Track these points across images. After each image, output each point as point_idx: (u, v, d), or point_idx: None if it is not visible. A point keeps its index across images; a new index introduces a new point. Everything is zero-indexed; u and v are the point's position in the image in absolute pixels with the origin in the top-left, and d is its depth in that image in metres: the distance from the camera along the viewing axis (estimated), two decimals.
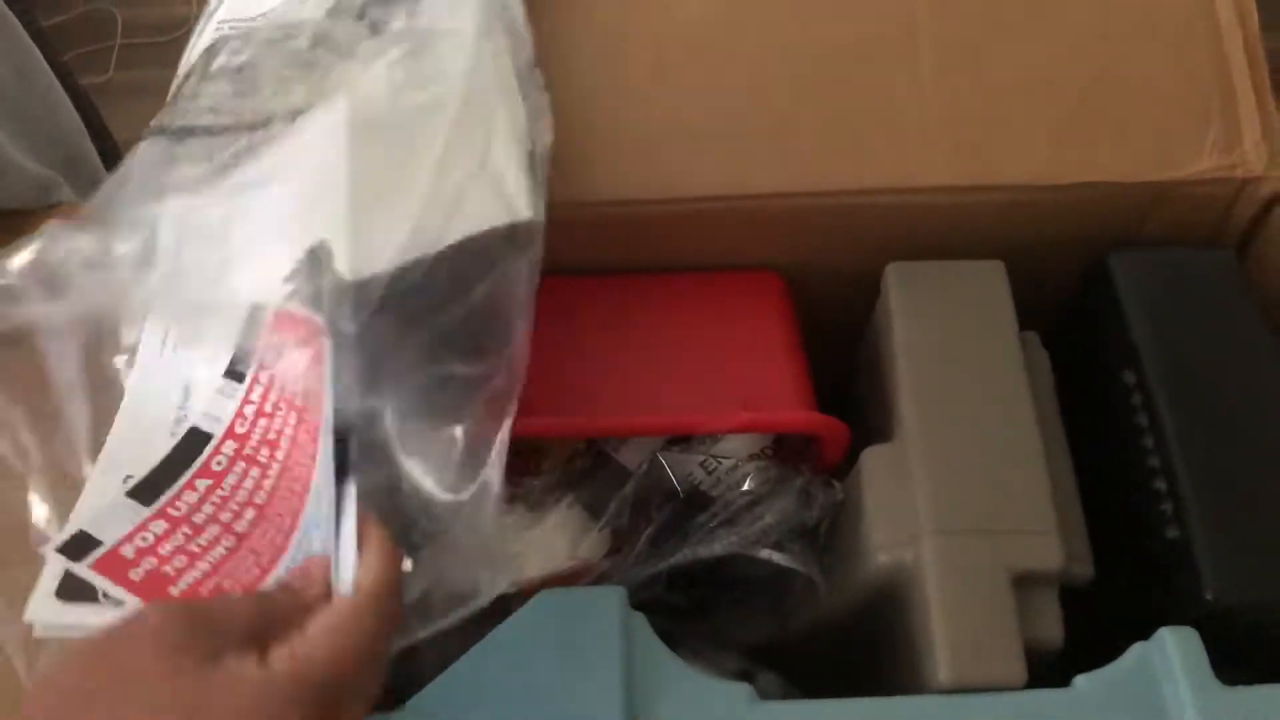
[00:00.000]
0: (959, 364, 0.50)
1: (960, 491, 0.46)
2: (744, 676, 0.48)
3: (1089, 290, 0.53)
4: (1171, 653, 0.41)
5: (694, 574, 0.53)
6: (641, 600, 0.47)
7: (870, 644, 0.50)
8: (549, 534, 0.49)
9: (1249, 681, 0.40)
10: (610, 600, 0.44)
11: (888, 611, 0.48)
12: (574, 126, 0.55)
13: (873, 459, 0.49)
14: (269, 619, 0.34)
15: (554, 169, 0.54)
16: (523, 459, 0.52)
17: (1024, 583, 0.44)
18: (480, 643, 0.44)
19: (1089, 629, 0.45)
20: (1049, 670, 0.44)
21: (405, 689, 0.44)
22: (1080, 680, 0.42)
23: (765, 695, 0.43)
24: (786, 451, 0.53)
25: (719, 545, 0.48)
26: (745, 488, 0.50)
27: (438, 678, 0.44)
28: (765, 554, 0.48)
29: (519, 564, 0.48)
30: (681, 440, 0.52)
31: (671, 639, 0.46)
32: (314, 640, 0.33)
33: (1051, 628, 0.44)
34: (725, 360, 0.54)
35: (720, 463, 0.51)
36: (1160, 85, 0.53)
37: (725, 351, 0.54)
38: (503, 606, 0.47)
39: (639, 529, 0.50)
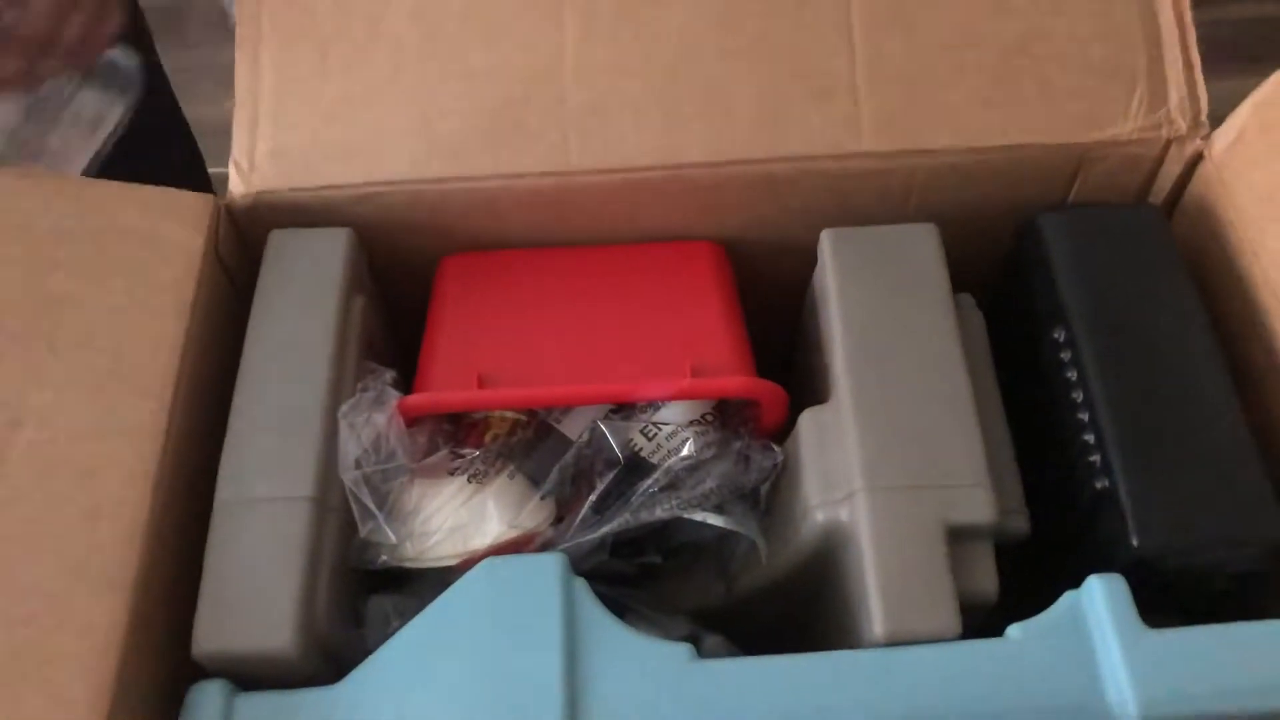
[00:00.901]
0: (893, 326, 0.50)
1: (894, 449, 0.46)
2: (690, 641, 0.49)
3: (1020, 250, 0.54)
4: (1099, 599, 0.42)
5: (638, 541, 0.53)
6: (586, 568, 0.47)
7: (811, 604, 0.51)
8: (489, 505, 0.49)
9: (1175, 625, 0.41)
10: (551, 566, 0.45)
11: (826, 570, 0.48)
12: (507, 97, 0.55)
13: (810, 420, 0.50)
14: None
15: (488, 142, 0.55)
16: (465, 432, 0.52)
17: (958, 536, 0.45)
18: (420, 613, 0.45)
19: (1026, 581, 0.46)
20: (985, 622, 0.44)
21: (348, 662, 0.45)
22: (1013, 629, 0.43)
23: (711, 657, 0.44)
24: (727, 417, 0.53)
25: (660, 510, 0.48)
26: (685, 453, 0.50)
27: (378, 649, 0.44)
28: (704, 517, 0.49)
29: (461, 535, 0.49)
30: (623, 409, 0.52)
31: (618, 607, 0.46)
32: None
33: (986, 580, 0.45)
34: (665, 328, 0.54)
35: (660, 429, 0.51)
36: (1088, 46, 0.54)
37: (665, 320, 0.54)
38: (445, 579, 0.47)
39: (581, 497, 0.50)
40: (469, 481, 0.49)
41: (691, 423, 0.52)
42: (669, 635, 0.49)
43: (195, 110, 0.86)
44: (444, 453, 0.50)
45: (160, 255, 0.51)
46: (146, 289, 0.49)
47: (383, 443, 0.49)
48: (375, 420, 0.49)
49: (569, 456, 0.50)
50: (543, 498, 0.50)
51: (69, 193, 0.52)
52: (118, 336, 0.48)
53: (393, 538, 0.47)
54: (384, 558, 0.48)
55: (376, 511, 0.47)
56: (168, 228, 0.52)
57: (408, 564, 0.49)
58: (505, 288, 0.57)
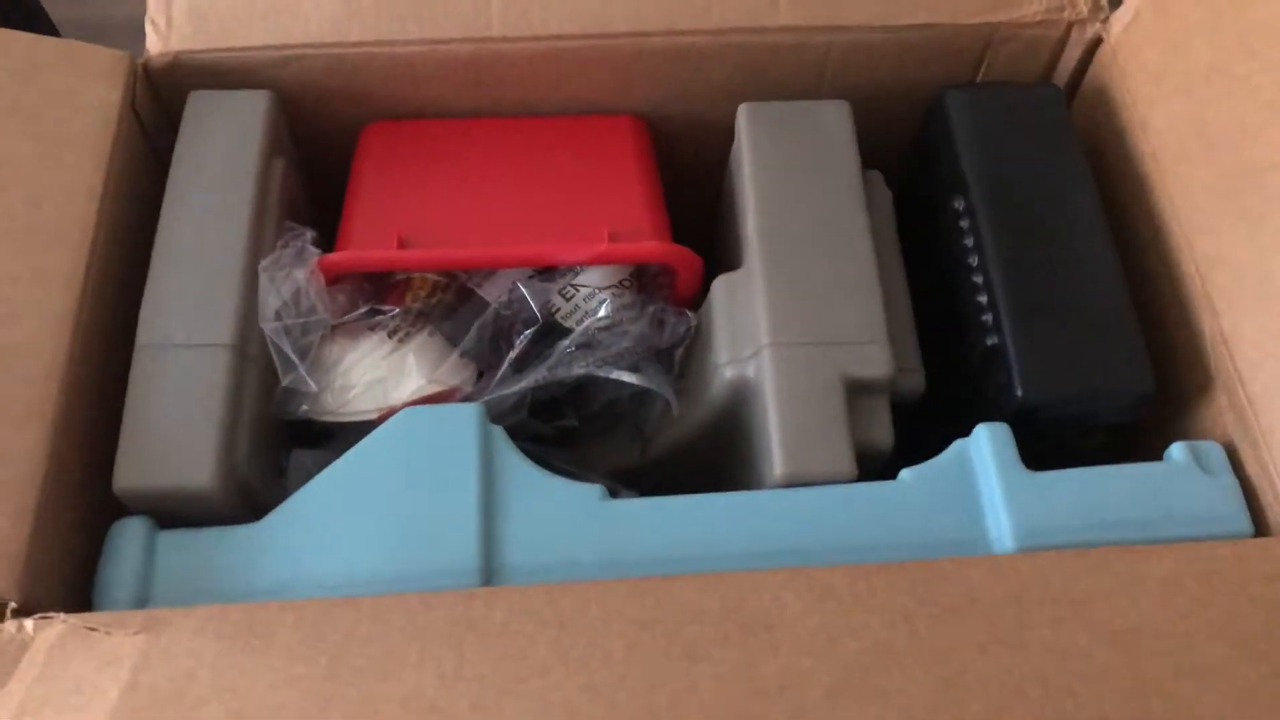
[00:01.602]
0: (804, 197, 0.52)
1: (798, 309, 0.48)
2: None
3: (927, 126, 0.56)
4: (985, 444, 0.45)
5: (556, 404, 0.55)
6: (506, 427, 0.49)
7: (721, 461, 0.53)
8: (409, 359, 0.50)
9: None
10: (468, 414, 0.46)
11: (734, 426, 0.50)
12: None
13: (721, 285, 0.52)
14: None
15: (410, 7, 0.55)
16: (386, 292, 0.53)
17: (856, 390, 0.47)
18: (338, 459, 0.46)
19: (923, 436, 0.49)
20: (884, 472, 0.47)
21: (268, 511, 0.46)
22: (905, 473, 0.46)
23: None
24: (644, 285, 0.55)
25: (577, 367, 0.50)
26: (602, 314, 0.52)
27: (295, 492, 0.45)
28: (619, 375, 0.51)
29: (381, 389, 0.50)
30: (543, 273, 0.54)
31: (537, 464, 0.48)
32: None
33: (882, 431, 0.48)
34: (585, 196, 0.55)
35: (578, 290, 0.52)
36: None
37: (585, 189, 0.56)
38: (364, 430, 0.48)
39: (500, 356, 0.52)
40: (389, 338, 0.51)
41: (609, 287, 0.53)
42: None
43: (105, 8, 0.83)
44: (364, 310, 0.51)
45: (76, 109, 0.50)
46: (63, 142, 0.49)
47: (303, 297, 0.49)
48: (295, 275, 0.50)
49: (488, 315, 0.52)
50: (462, 354, 0.51)
51: None
52: (34, 187, 0.48)
53: (313, 386, 0.49)
54: (305, 408, 0.49)
55: (298, 362, 0.48)
56: (84, 83, 0.51)
57: (327, 416, 0.50)
58: (428, 155, 0.57)
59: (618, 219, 0.54)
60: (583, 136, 0.58)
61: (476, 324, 0.51)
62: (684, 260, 0.53)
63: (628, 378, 0.51)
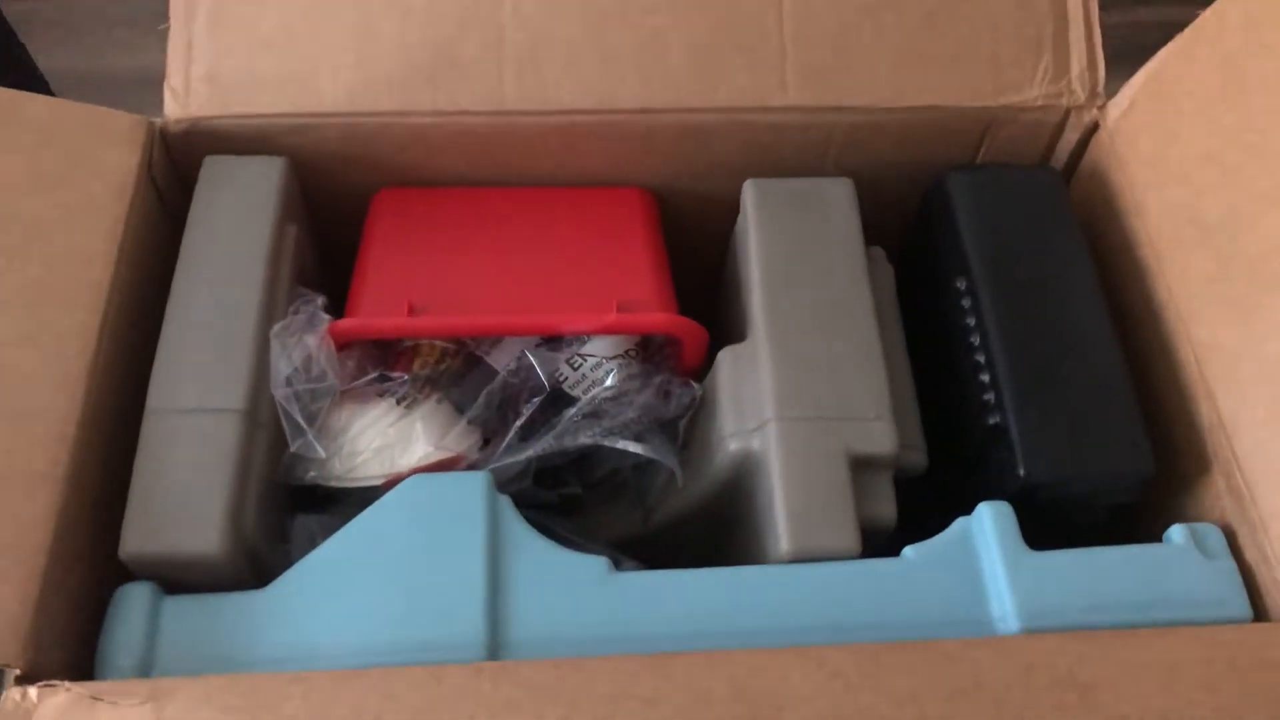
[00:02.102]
0: (808, 272, 0.53)
1: (803, 383, 0.49)
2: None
3: (929, 205, 0.57)
4: (987, 523, 0.45)
5: (560, 472, 0.55)
6: (510, 495, 0.49)
7: (725, 533, 0.54)
8: (416, 426, 0.50)
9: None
10: (475, 482, 0.47)
11: (739, 498, 0.51)
12: (445, 35, 0.56)
13: (727, 357, 0.52)
14: None
15: (424, 78, 0.56)
16: (395, 358, 0.54)
17: (861, 466, 0.48)
18: (345, 526, 0.46)
19: (925, 514, 0.49)
20: (887, 549, 0.47)
21: (273, 577, 0.46)
22: (908, 550, 0.46)
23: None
24: (650, 355, 0.56)
25: (583, 436, 0.50)
26: (608, 384, 0.52)
27: (302, 559, 0.46)
28: (625, 445, 0.51)
29: (388, 455, 0.50)
30: (550, 342, 0.54)
31: (541, 531, 0.48)
32: None
33: (885, 507, 0.48)
34: (594, 266, 0.56)
35: (585, 360, 0.53)
36: (998, 15, 0.57)
37: (594, 260, 0.56)
38: (370, 495, 0.48)
39: (507, 424, 0.52)
40: (397, 404, 0.51)
41: (615, 357, 0.54)
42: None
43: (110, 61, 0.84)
44: (373, 376, 0.52)
45: (94, 173, 0.51)
46: (80, 206, 0.50)
47: (313, 363, 0.50)
48: (306, 341, 0.50)
49: (496, 383, 0.52)
50: (469, 422, 0.52)
51: (4, 106, 0.52)
52: (51, 249, 0.48)
53: (321, 453, 0.49)
54: (312, 473, 0.50)
55: (306, 427, 0.49)
56: (102, 147, 0.52)
57: (334, 482, 0.50)
58: (439, 222, 0.58)
59: (625, 290, 0.55)
60: (592, 207, 0.59)
61: (485, 392, 0.52)
62: (690, 332, 0.53)
63: (633, 448, 0.51)
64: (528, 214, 0.59)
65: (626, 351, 0.54)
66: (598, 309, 0.53)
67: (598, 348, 0.54)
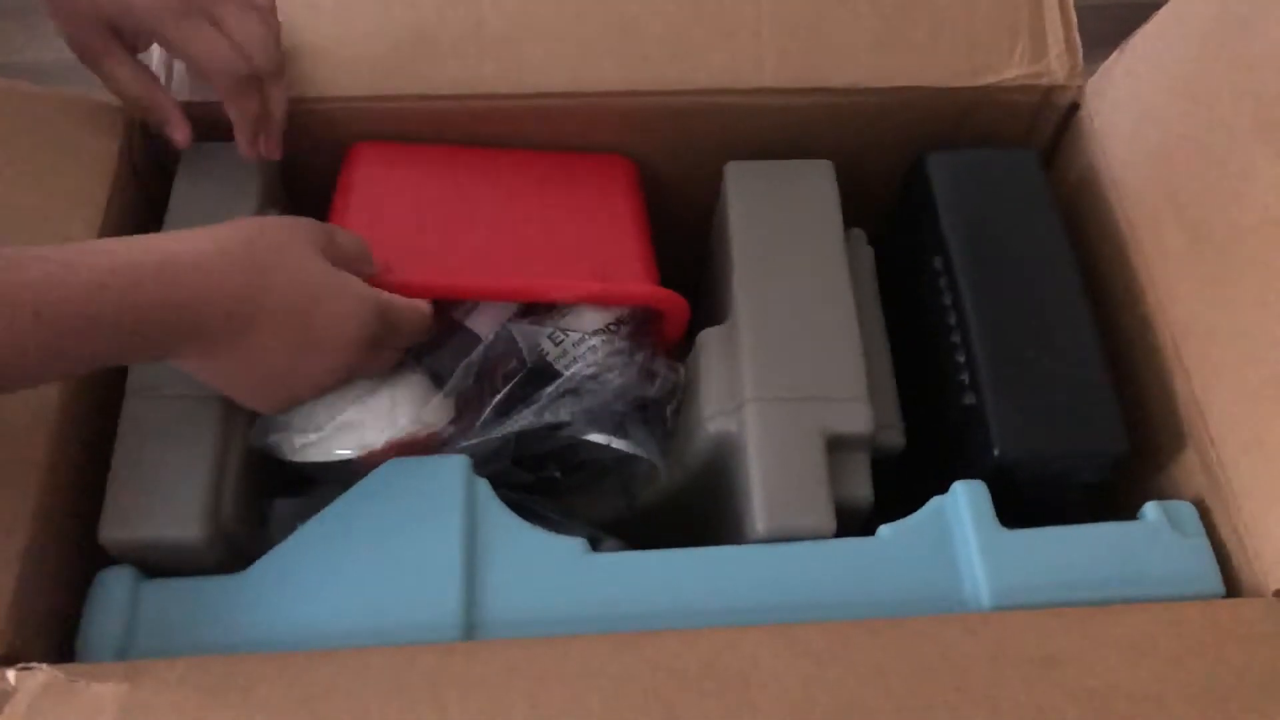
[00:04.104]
0: (788, 254, 0.53)
1: (781, 364, 0.49)
2: (590, 544, 0.51)
3: (907, 187, 0.57)
4: (961, 502, 0.46)
5: (541, 458, 0.55)
6: (487, 473, 0.49)
7: (705, 514, 0.54)
8: (391, 400, 0.50)
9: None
10: (454, 466, 0.47)
11: (718, 480, 0.51)
12: (423, 20, 0.56)
13: (706, 339, 0.52)
14: (359, 259, 0.48)
15: (401, 62, 0.56)
16: None
17: (837, 446, 0.48)
18: (323, 510, 0.46)
19: (904, 491, 0.49)
20: (863, 527, 0.48)
21: (252, 560, 0.46)
22: (883, 529, 0.46)
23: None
24: (632, 331, 0.55)
25: (563, 412, 0.50)
26: (590, 360, 0.52)
27: (281, 542, 0.46)
28: (607, 440, 0.51)
29: (360, 430, 0.49)
30: (531, 313, 0.53)
31: (521, 511, 0.48)
32: (395, 299, 0.48)
33: (861, 487, 0.48)
34: (577, 234, 0.55)
35: (567, 335, 0.52)
36: None
37: (577, 226, 0.55)
38: (349, 483, 0.48)
39: (484, 399, 0.51)
40: (371, 378, 0.50)
41: (597, 332, 0.53)
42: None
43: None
44: None
45: (74, 160, 0.51)
46: (60, 192, 0.50)
47: None
48: None
49: (475, 355, 0.51)
50: (445, 396, 0.51)
51: None
52: (31, 235, 0.48)
53: (292, 424, 0.48)
54: (273, 437, 0.48)
55: None
56: (82, 133, 0.52)
57: (299, 457, 0.49)
58: (416, 179, 0.56)
59: (607, 259, 0.54)
60: (575, 173, 0.58)
61: (464, 364, 0.51)
62: (672, 304, 0.53)
63: (615, 443, 0.51)
64: (509, 176, 0.57)
65: (608, 326, 0.53)
66: (579, 276, 0.52)
67: (580, 321, 0.53)
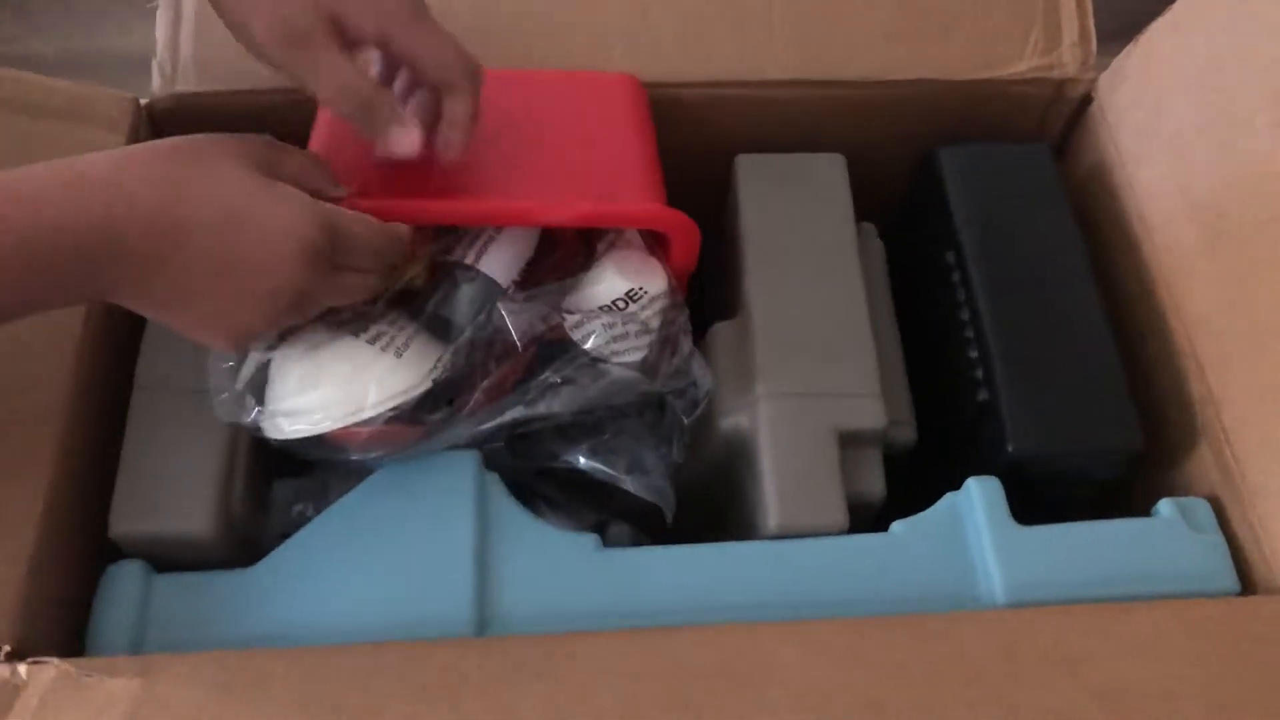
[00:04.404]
0: (799, 249, 0.53)
1: (793, 360, 0.49)
2: (597, 527, 0.50)
3: (919, 180, 0.57)
4: (975, 498, 0.45)
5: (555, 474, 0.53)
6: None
7: (716, 507, 0.54)
8: (355, 370, 0.45)
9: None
10: (464, 461, 0.47)
11: (730, 474, 0.51)
12: (432, 7, 0.56)
13: (717, 334, 0.52)
14: (316, 178, 0.44)
15: None
16: None
17: (849, 441, 0.48)
18: (334, 504, 0.46)
19: (917, 488, 0.49)
20: (875, 524, 0.47)
21: (253, 544, 0.46)
22: (896, 525, 0.46)
23: (615, 545, 0.46)
24: (658, 308, 0.49)
25: (558, 403, 0.47)
26: (590, 345, 0.48)
27: (292, 536, 0.46)
28: (617, 479, 0.48)
29: (335, 405, 0.44)
30: (535, 278, 0.49)
31: (528, 492, 0.47)
32: (344, 211, 0.42)
33: (874, 483, 0.48)
34: (573, 154, 0.50)
35: (566, 317, 0.48)
36: None
37: (574, 145, 0.51)
38: (350, 465, 0.47)
39: (475, 382, 0.47)
40: (355, 336, 0.46)
41: (602, 308, 0.49)
42: (577, 521, 0.50)
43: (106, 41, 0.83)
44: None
45: (83, 152, 0.51)
46: None
47: None
48: None
49: (463, 340, 0.47)
50: (435, 381, 0.46)
51: None
52: None
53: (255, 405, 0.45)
54: (246, 418, 0.45)
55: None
56: (88, 126, 0.52)
57: (268, 434, 0.46)
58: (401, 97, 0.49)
59: (607, 180, 0.49)
60: (574, 92, 0.54)
61: (451, 349, 0.46)
62: (678, 225, 0.48)
63: (625, 483, 0.48)
64: (503, 94, 0.50)
65: (614, 302, 0.49)
66: (575, 197, 0.47)
67: (591, 294, 0.49)
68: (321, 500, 0.47)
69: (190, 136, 0.41)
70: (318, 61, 0.43)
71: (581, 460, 0.49)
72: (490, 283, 0.47)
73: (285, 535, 0.46)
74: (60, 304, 0.40)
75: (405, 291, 0.47)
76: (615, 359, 0.48)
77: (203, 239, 0.39)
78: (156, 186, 0.38)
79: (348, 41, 0.44)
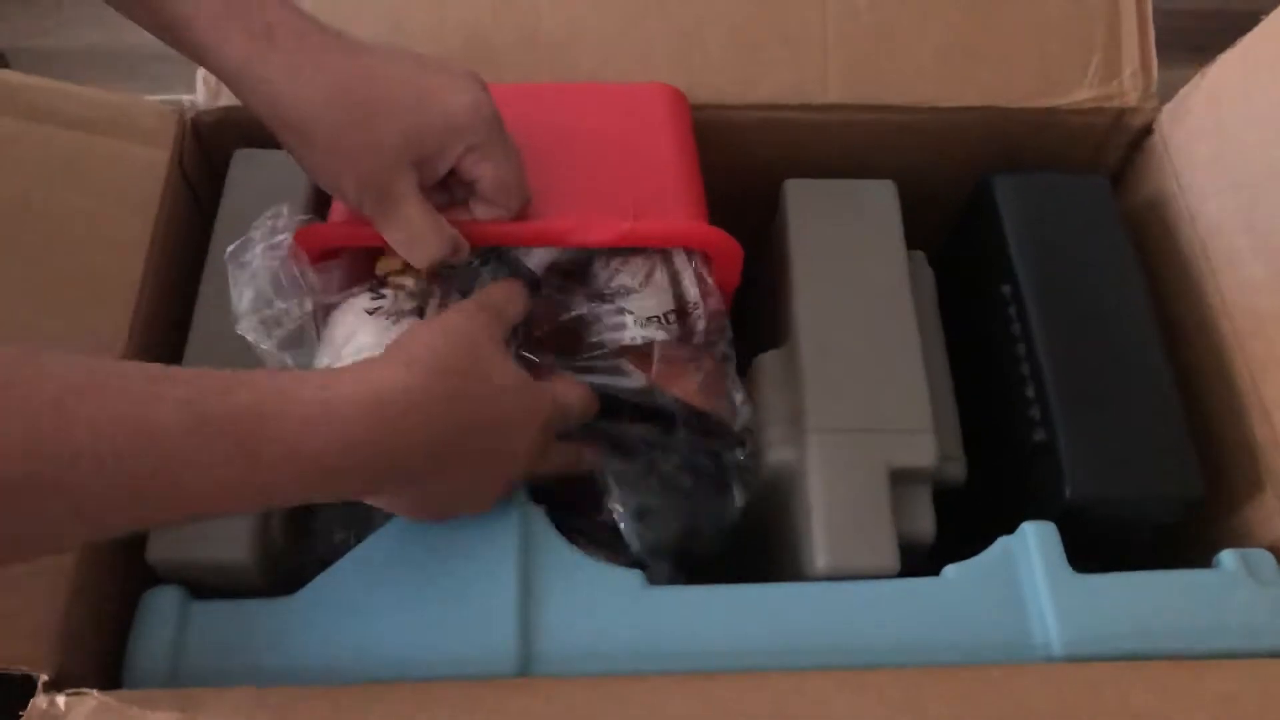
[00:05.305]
0: (848, 278, 0.52)
1: (843, 393, 0.48)
2: (638, 563, 0.49)
3: (973, 210, 0.55)
4: (1031, 544, 0.44)
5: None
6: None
7: (760, 542, 0.53)
8: None
9: (1102, 571, 0.44)
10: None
11: (776, 508, 0.50)
12: (478, 22, 0.55)
13: (764, 364, 0.51)
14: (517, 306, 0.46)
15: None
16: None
17: (899, 479, 0.47)
18: (376, 531, 0.45)
19: (965, 527, 0.48)
20: (923, 563, 0.46)
21: (294, 572, 0.45)
22: (949, 570, 0.45)
23: (656, 582, 0.45)
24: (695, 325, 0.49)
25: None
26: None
27: (335, 564, 0.45)
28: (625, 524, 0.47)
29: None
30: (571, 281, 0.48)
31: (569, 526, 0.47)
32: (562, 387, 0.45)
33: (924, 522, 0.47)
34: (612, 171, 0.49)
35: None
36: (1048, 13, 0.56)
37: (613, 161, 0.50)
38: None
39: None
40: (389, 319, 0.45)
41: (651, 319, 0.48)
42: (618, 556, 0.49)
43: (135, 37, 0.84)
44: (365, 287, 0.46)
45: (126, 166, 0.50)
46: (112, 197, 0.49)
47: (280, 281, 0.44)
48: (271, 259, 0.44)
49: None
50: None
51: (38, 97, 0.51)
52: (84, 241, 0.47)
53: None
54: None
55: (278, 353, 0.44)
56: (134, 138, 0.51)
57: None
58: None
59: (645, 196, 0.48)
60: (613, 105, 0.53)
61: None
62: (719, 243, 0.47)
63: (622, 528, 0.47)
64: (540, 109, 0.51)
65: (665, 315, 0.48)
66: (613, 216, 0.46)
67: (634, 304, 0.47)
68: (364, 528, 0.46)
69: (451, 331, 0.41)
70: (395, 215, 0.43)
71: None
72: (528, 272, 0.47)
73: (326, 563, 0.45)
74: (304, 501, 0.39)
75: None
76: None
77: (477, 454, 0.41)
78: (445, 415, 0.39)
79: (427, 175, 0.44)
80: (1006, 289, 0.51)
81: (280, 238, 0.45)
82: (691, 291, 0.49)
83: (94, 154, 0.50)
